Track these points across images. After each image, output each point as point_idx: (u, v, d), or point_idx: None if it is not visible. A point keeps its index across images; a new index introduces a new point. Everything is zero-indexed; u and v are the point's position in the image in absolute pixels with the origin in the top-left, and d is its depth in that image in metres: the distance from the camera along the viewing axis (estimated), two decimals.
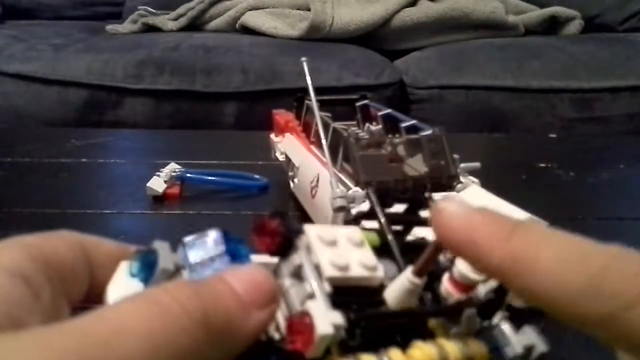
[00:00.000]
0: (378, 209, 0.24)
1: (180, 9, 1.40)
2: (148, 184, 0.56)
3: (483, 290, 0.21)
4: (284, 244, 0.20)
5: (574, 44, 1.27)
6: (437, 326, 0.21)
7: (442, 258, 0.22)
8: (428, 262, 0.20)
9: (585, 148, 0.80)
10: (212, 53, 1.18)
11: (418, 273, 0.20)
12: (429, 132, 0.41)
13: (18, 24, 1.48)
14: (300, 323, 0.18)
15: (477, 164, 0.42)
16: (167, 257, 0.20)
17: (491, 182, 0.41)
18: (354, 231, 0.21)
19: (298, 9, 1.34)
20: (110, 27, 1.40)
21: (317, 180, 0.45)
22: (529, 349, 0.21)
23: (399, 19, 1.30)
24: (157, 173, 0.57)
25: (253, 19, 1.34)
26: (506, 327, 0.21)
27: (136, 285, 0.20)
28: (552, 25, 1.43)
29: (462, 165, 0.41)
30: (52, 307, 0.19)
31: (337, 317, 0.18)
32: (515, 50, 1.23)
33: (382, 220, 0.23)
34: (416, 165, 0.41)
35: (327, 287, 0.19)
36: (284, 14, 1.34)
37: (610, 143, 0.85)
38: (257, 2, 1.37)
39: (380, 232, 0.23)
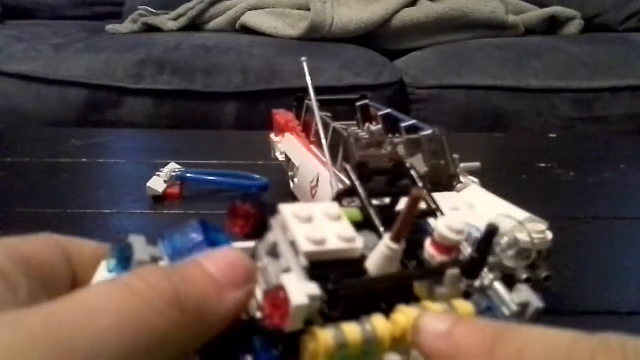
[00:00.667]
0: (357, 183, 0.24)
1: (180, 9, 1.40)
2: (148, 184, 0.56)
3: (468, 250, 0.21)
4: (258, 225, 0.20)
5: (574, 44, 1.27)
6: (422, 290, 0.20)
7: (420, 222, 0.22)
8: (404, 225, 0.19)
9: (585, 148, 0.80)
10: (212, 53, 1.18)
11: (395, 238, 0.19)
12: (429, 132, 0.41)
13: (18, 24, 1.48)
14: (275, 297, 0.18)
15: (477, 164, 0.42)
16: (142, 249, 0.20)
17: (491, 182, 0.41)
18: (330, 206, 0.21)
19: (298, 9, 1.34)
20: (110, 27, 1.40)
21: (317, 180, 0.45)
22: (524, 307, 0.21)
23: (399, 19, 1.30)
24: (157, 173, 0.57)
25: (253, 19, 1.34)
26: (499, 286, 0.21)
27: None
28: (552, 25, 1.43)
29: (462, 165, 0.41)
30: (30, 302, 0.19)
31: (312, 288, 0.18)
32: (515, 50, 1.23)
33: (362, 194, 0.23)
34: (416, 165, 0.41)
35: (304, 262, 0.19)
36: (284, 14, 1.34)
37: (610, 143, 0.85)
38: (257, 2, 1.37)
39: (362, 208, 0.23)
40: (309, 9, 1.29)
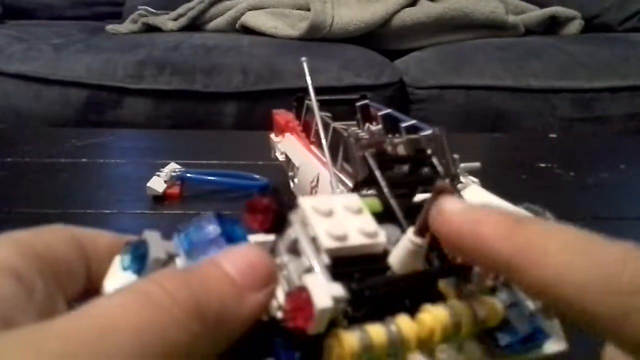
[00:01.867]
0: (377, 172, 0.23)
1: (180, 9, 1.40)
2: (148, 184, 0.56)
3: None
4: (278, 220, 0.20)
5: (574, 44, 1.27)
6: (447, 287, 0.20)
7: None
8: (428, 219, 0.19)
9: (585, 148, 0.80)
10: (212, 53, 1.18)
11: (419, 232, 0.19)
12: (429, 132, 0.41)
13: (18, 24, 1.48)
14: (298, 299, 0.17)
15: (477, 164, 0.42)
16: (158, 246, 0.19)
17: (491, 182, 0.40)
18: (351, 198, 0.20)
19: (298, 9, 1.34)
20: (110, 27, 1.40)
21: (317, 180, 0.45)
22: None
23: (399, 19, 1.30)
24: (157, 173, 0.57)
25: (253, 19, 1.34)
26: None
27: (130, 278, 0.19)
28: (552, 25, 1.43)
29: (462, 165, 0.41)
30: (47, 303, 0.18)
31: (337, 289, 0.17)
32: (515, 50, 1.23)
33: (382, 183, 0.22)
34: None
35: (326, 259, 0.18)
36: (284, 14, 1.34)
37: (610, 143, 0.85)
38: (257, 2, 1.37)
39: (381, 196, 0.22)
40: (309, 9, 1.29)
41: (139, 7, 1.46)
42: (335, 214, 0.19)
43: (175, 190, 0.57)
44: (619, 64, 1.18)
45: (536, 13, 1.43)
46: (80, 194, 0.60)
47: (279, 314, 0.18)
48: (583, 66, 1.17)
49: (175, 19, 1.39)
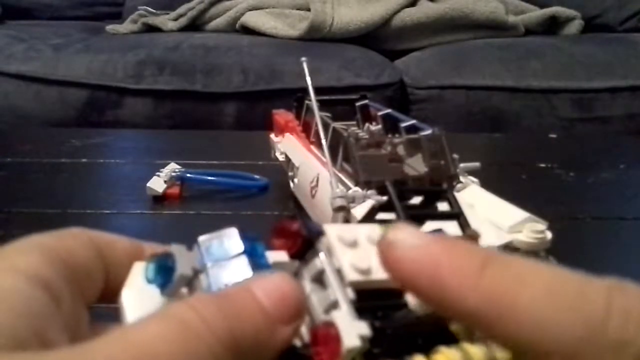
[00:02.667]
0: (396, 203, 0.23)
1: (180, 9, 1.40)
2: (148, 184, 0.56)
3: None
4: (304, 246, 0.20)
5: (574, 44, 1.27)
6: (461, 329, 0.20)
7: None
8: None
9: (585, 148, 0.80)
10: (212, 53, 1.18)
11: None
12: (428, 132, 0.41)
13: (18, 24, 1.48)
14: (327, 335, 0.17)
15: (477, 164, 0.42)
16: (184, 262, 0.19)
17: (491, 182, 0.40)
18: (373, 229, 0.21)
19: (298, 9, 1.34)
20: (110, 27, 1.40)
21: (317, 180, 0.45)
22: None
23: (399, 19, 1.30)
24: (157, 173, 0.57)
25: (253, 19, 1.34)
26: None
27: (153, 292, 0.19)
28: (552, 25, 1.43)
29: (462, 165, 0.41)
30: (72, 313, 0.18)
31: (363, 328, 0.17)
32: (515, 50, 1.23)
33: (401, 213, 0.23)
34: (416, 165, 0.41)
35: (351, 295, 0.19)
36: (284, 14, 1.34)
37: (610, 143, 0.85)
38: (257, 2, 1.37)
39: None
40: (309, 9, 1.29)
41: (139, 7, 1.46)
42: (359, 244, 0.20)
43: (175, 190, 0.57)
44: (619, 64, 1.18)
45: (536, 13, 1.43)
46: (80, 194, 0.60)
47: (298, 342, 0.19)
48: (583, 66, 1.17)
49: (175, 19, 1.39)
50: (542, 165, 0.69)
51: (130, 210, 0.55)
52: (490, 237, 0.33)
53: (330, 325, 0.18)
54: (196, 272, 0.19)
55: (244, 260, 0.19)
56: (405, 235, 0.16)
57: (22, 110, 1.16)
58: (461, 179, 0.40)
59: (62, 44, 1.23)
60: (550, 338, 0.14)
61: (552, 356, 0.14)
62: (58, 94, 1.15)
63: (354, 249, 0.20)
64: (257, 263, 0.19)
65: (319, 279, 0.19)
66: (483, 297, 0.15)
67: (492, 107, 1.15)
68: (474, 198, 0.37)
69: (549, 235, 0.34)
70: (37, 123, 1.15)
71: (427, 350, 0.19)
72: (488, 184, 0.40)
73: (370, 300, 0.19)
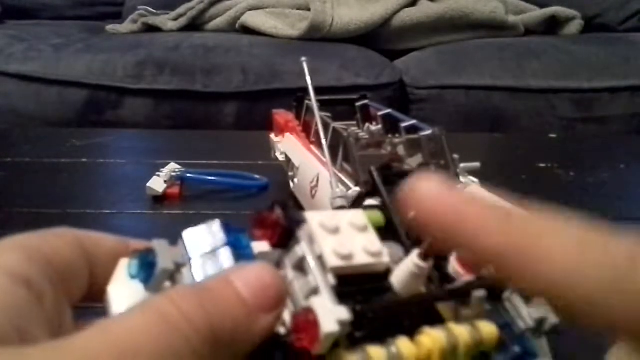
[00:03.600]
0: (381, 188, 0.23)
1: (180, 9, 1.40)
2: (148, 184, 0.56)
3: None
4: (285, 235, 0.20)
5: (574, 44, 1.27)
6: (446, 309, 0.20)
7: None
8: (434, 244, 0.19)
9: (585, 148, 0.80)
10: (212, 53, 1.18)
11: (424, 256, 0.19)
12: (428, 132, 0.41)
13: (18, 24, 1.48)
14: (306, 321, 0.18)
15: (477, 164, 0.42)
16: (166, 256, 0.19)
17: (491, 182, 0.40)
18: (357, 215, 0.21)
19: (298, 9, 1.34)
20: (110, 27, 1.40)
21: (317, 180, 0.45)
22: (540, 322, 0.20)
23: (399, 19, 1.30)
24: (157, 173, 0.57)
25: (253, 19, 1.34)
26: (517, 300, 0.21)
27: (137, 287, 0.19)
28: (552, 25, 1.43)
29: (462, 165, 0.41)
30: (55, 311, 0.18)
31: (343, 313, 0.18)
32: (515, 50, 1.23)
33: (387, 199, 0.23)
34: (416, 165, 0.41)
35: (332, 280, 0.19)
36: (284, 14, 1.34)
37: (610, 143, 0.85)
38: (257, 2, 1.37)
39: (383, 209, 0.22)
40: (309, 9, 1.29)
41: (139, 7, 1.46)
42: (342, 231, 0.20)
43: (175, 190, 0.57)
44: (619, 64, 1.18)
45: (536, 13, 1.43)
46: (80, 194, 0.60)
47: (282, 329, 0.19)
48: (583, 66, 1.17)
49: (175, 19, 1.39)
50: (542, 165, 0.69)
51: (130, 210, 0.55)
52: None
53: (309, 311, 0.18)
54: (178, 266, 0.19)
55: (227, 252, 0.19)
56: (431, 180, 0.17)
57: (22, 110, 1.16)
58: (461, 179, 0.40)
59: (62, 44, 1.23)
60: (580, 284, 0.15)
61: (579, 301, 0.15)
62: (58, 94, 1.15)
63: (336, 235, 0.20)
64: (242, 254, 0.19)
65: (301, 267, 0.20)
66: (509, 240, 0.16)
67: (492, 107, 1.15)
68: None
69: None
70: (37, 123, 1.15)
71: (413, 331, 0.19)
72: (488, 184, 0.40)
73: (353, 285, 0.19)
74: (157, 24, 1.38)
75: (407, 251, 0.21)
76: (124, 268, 0.20)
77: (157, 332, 0.15)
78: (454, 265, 0.21)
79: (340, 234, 0.20)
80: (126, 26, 1.39)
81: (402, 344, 0.18)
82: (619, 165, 0.69)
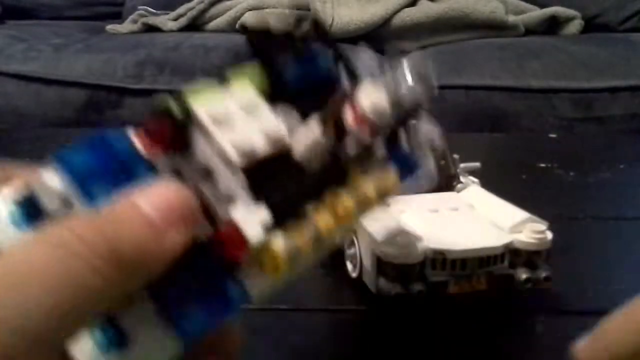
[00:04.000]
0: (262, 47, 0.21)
1: (180, 9, 1.40)
2: None
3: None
4: (176, 135, 0.18)
5: (574, 44, 1.27)
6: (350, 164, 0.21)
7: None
8: (335, 114, 0.20)
9: (585, 148, 0.80)
10: (212, 53, 1.18)
11: (325, 122, 0.20)
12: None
13: (18, 24, 1.48)
14: (230, 234, 0.18)
15: (477, 164, 0.42)
16: (50, 197, 0.17)
17: (491, 182, 0.41)
18: (244, 93, 0.20)
19: (298, 9, 1.34)
20: (110, 27, 1.40)
21: None
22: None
23: (399, 19, 1.30)
24: None
25: (253, 19, 1.34)
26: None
27: (20, 234, 0.17)
28: (552, 25, 1.43)
29: (462, 165, 0.41)
30: None
31: (262, 214, 0.18)
32: (515, 50, 1.23)
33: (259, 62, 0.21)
34: None
35: (243, 181, 0.18)
36: (284, 14, 1.34)
37: (610, 143, 0.85)
38: (257, 2, 1.37)
39: (264, 66, 0.21)
40: (309, 9, 1.29)
41: (139, 7, 1.46)
42: (235, 119, 0.19)
43: None
44: (619, 64, 1.18)
45: (536, 13, 1.43)
46: None
47: (203, 237, 0.18)
48: (583, 66, 1.17)
49: (175, 19, 1.39)
50: (542, 165, 0.69)
51: None
52: (491, 238, 0.33)
53: (232, 225, 0.18)
54: (67, 203, 0.17)
55: (118, 173, 0.17)
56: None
57: (22, 110, 1.16)
58: (461, 179, 0.40)
59: (62, 44, 1.23)
60: None
61: None
62: (58, 94, 1.15)
63: (230, 125, 0.19)
64: (145, 178, 0.18)
65: (206, 172, 0.19)
66: None
67: (491, 107, 1.15)
68: (474, 198, 0.38)
69: (549, 235, 0.34)
70: (37, 123, 1.15)
71: (320, 193, 0.20)
72: (488, 184, 0.40)
73: (260, 172, 0.19)
74: (157, 24, 1.38)
75: (302, 113, 0.20)
76: (4, 213, 0.18)
77: (54, 258, 0.15)
78: (350, 122, 0.21)
79: (235, 124, 0.19)
80: (126, 26, 1.39)
81: (319, 218, 0.19)
82: (619, 165, 0.69)
